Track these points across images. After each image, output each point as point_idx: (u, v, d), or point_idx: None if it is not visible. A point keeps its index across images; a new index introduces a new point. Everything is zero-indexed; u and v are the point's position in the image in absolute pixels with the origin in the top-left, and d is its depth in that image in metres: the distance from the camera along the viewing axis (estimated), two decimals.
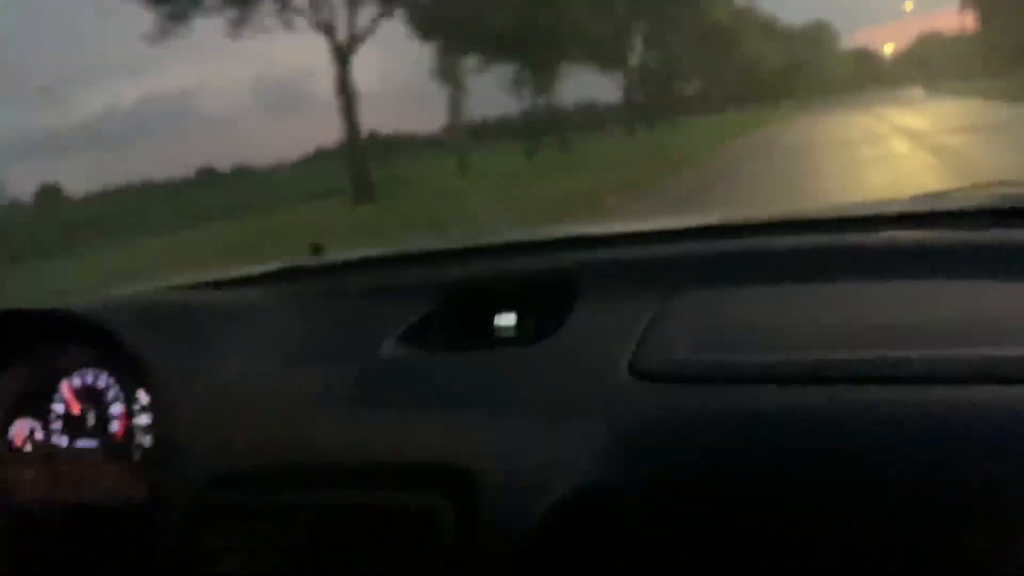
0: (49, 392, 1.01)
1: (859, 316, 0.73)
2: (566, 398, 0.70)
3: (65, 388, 1.01)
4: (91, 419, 0.99)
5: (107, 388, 0.99)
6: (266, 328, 0.93)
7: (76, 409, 0.99)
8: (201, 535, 0.65)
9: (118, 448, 0.97)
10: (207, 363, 0.83)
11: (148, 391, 0.77)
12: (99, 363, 1.00)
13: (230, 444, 0.73)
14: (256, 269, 1.11)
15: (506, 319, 0.98)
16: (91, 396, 1.00)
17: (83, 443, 0.99)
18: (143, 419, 0.97)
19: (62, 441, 1.00)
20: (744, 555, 0.59)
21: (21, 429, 1.01)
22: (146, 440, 0.96)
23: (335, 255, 1.20)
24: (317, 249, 1.20)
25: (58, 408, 1.01)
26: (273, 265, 1.09)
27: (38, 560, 0.73)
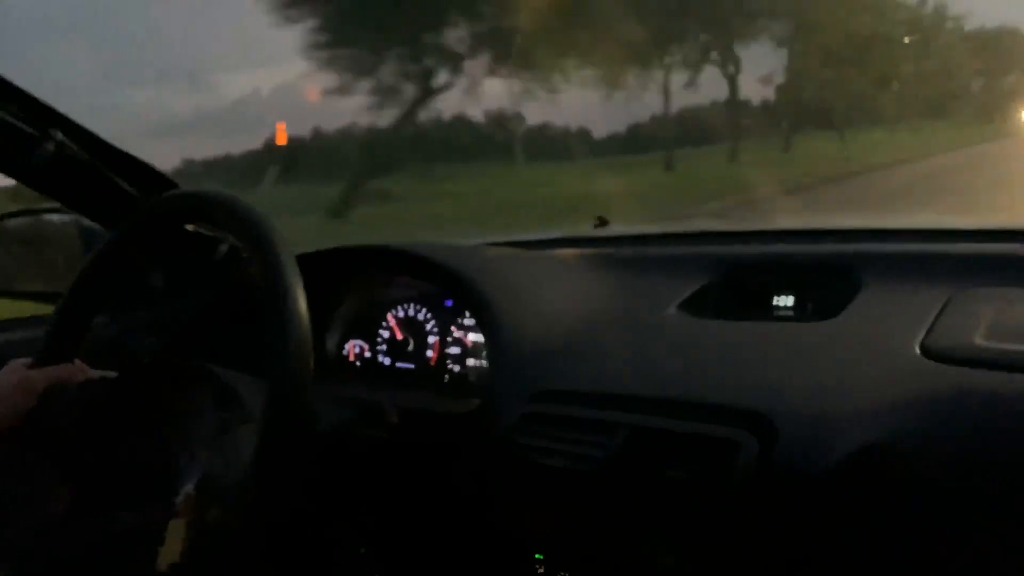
0: (378, 319, 1.22)
1: None
2: (854, 369, 0.75)
3: (391, 318, 1.21)
4: (411, 345, 1.18)
5: (425, 321, 1.18)
6: (566, 281, 1.07)
7: (399, 336, 1.19)
8: (526, 435, 0.79)
9: (431, 372, 1.15)
10: (526, 305, 0.97)
11: (467, 329, 0.92)
12: (418, 300, 1.19)
13: (550, 369, 0.86)
14: (549, 234, 1.26)
15: (784, 299, 1.03)
16: (411, 326, 1.19)
17: (402, 364, 1.18)
18: (453, 350, 1.15)
19: (385, 361, 1.20)
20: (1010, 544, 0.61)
21: (353, 347, 1.23)
22: (455, 368, 1.14)
23: (617, 228, 1.31)
24: (602, 221, 1.32)
25: (384, 334, 1.21)
26: (566, 232, 1.23)
27: (366, 456, 0.89)
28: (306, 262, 1.17)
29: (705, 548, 0.69)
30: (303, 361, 0.70)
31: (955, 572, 0.64)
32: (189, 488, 0.81)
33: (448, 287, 1.01)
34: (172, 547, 0.80)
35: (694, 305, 1.01)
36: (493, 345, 0.89)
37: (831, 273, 1.00)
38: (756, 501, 0.67)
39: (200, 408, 0.86)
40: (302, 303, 0.72)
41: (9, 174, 1.08)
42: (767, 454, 0.67)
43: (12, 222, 1.27)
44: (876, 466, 0.65)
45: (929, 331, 0.78)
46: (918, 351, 0.75)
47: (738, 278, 1.05)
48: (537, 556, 0.78)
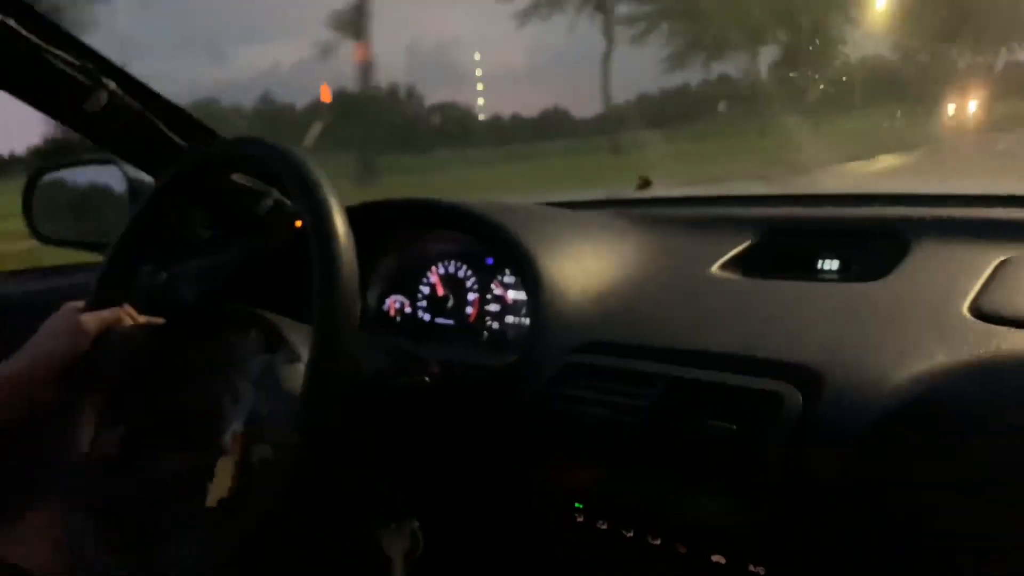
0: (419, 275, 1.23)
1: None
2: (900, 328, 0.74)
3: (432, 274, 1.21)
4: (451, 302, 1.19)
5: (466, 278, 1.18)
6: (609, 239, 1.07)
7: (440, 292, 1.20)
8: (566, 386, 0.79)
9: (470, 328, 1.16)
10: (568, 258, 0.97)
11: (524, 276, 0.92)
12: (460, 256, 1.20)
13: (591, 323, 0.86)
14: (594, 195, 1.25)
15: (829, 263, 1.02)
16: (452, 283, 1.20)
17: (442, 320, 1.19)
18: (492, 307, 1.15)
19: (425, 317, 1.21)
20: None
21: (394, 303, 1.25)
22: (493, 325, 1.14)
23: (661, 190, 1.30)
24: (645, 183, 1.32)
25: (425, 290, 1.22)
26: (608, 192, 1.22)
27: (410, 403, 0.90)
28: (350, 216, 1.18)
29: (746, 502, 0.69)
30: (349, 304, 0.71)
31: (1000, 535, 0.64)
32: (237, 427, 0.83)
33: (490, 243, 1.02)
34: (221, 483, 0.82)
35: (737, 265, 1.00)
36: (534, 300, 0.90)
37: (877, 237, 0.99)
38: (798, 456, 0.67)
39: (247, 350, 0.87)
40: (350, 248, 0.73)
41: (64, 122, 1.11)
42: (810, 408, 0.67)
43: (64, 172, 1.30)
44: (921, 424, 0.65)
45: (980, 292, 0.77)
46: (967, 311, 0.74)
47: (782, 240, 1.04)
48: (576, 505, 0.79)
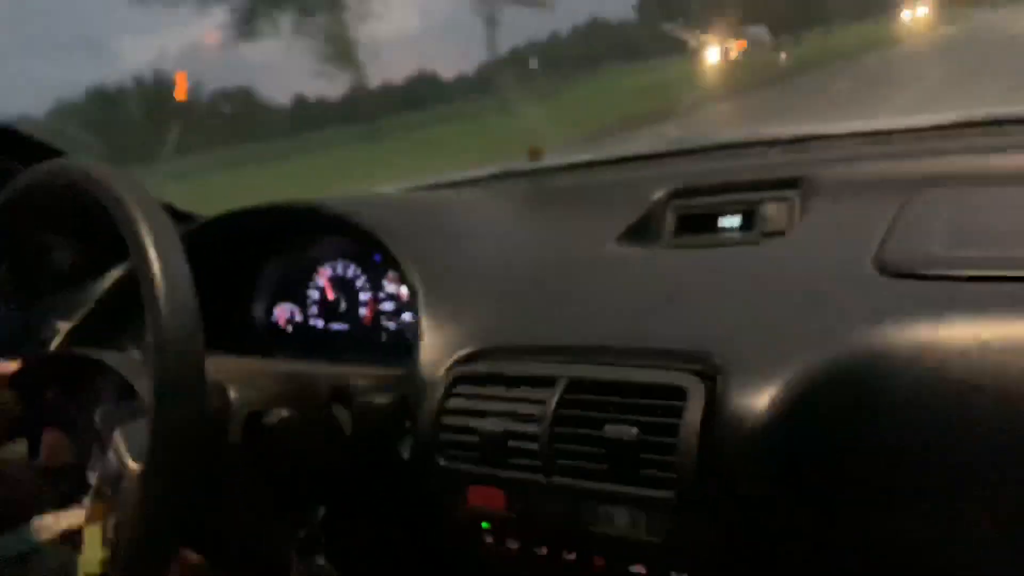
0: (306, 280, 1.13)
1: None
2: (804, 290, 0.69)
3: (319, 277, 1.12)
4: (343, 305, 1.10)
5: (355, 278, 1.10)
6: (498, 224, 0.99)
7: (331, 296, 1.11)
8: (457, 400, 0.72)
9: (367, 331, 1.08)
10: (450, 254, 0.89)
11: (400, 280, 0.84)
12: (347, 255, 1.11)
13: (481, 325, 0.79)
14: (481, 172, 1.17)
15: (731, 220, 0.96)
16: (342, 285, 1.11)
17: (336, 326, 1.11)
18: (387, 306, 1.07)
19: (318, 323, 1.12)
20: (966, 470, 0.57)
21: (283, 312, 1.15)
22: (391, 325, 1.06)
23: (555, 159, 1.23)
24: (536, 153, 1.24)
25: (314, 295, 1.13)
26: (497, 167, 1.14)
27: (310, 418, 0.82)
28: (218, 226, 1.08)
29: (660, 509, 0.64)
30: (184, 338, 0.61)
31: (920, 503, 0.60)
32: (95, 487, 0.74)
33: (368, 242, 0.93)
34: (91, 556, 0.73)
35: (636, 236, 0.94)
36: (416, 305, 0.82)
37: (779, 187, 0.94)
38: (706, 454, 0.61)
39: (100, 399, 0.78)
40: (175, 271, 0.62)
41: None
42: (715, 400, 0.62)
43: None
44: (827, 394, 0.60)
45: (883, 242, 0.72)
46: (871, 265, 0.69)
47: (681, 201, 0.98)
48: (483, 525, 0.73)
